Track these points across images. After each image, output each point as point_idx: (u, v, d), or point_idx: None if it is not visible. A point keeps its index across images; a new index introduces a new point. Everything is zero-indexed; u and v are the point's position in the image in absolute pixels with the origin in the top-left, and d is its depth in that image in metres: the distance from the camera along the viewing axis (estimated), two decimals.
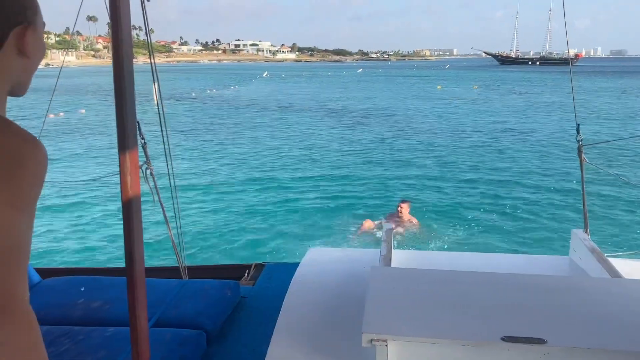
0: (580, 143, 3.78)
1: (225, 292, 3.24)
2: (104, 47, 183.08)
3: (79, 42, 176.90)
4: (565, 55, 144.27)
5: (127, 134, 1.75)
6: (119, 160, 1.77)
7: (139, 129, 3.31)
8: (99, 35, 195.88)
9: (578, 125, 3.78)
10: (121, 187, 1.81)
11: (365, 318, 1.72)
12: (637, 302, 1.93)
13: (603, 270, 2.36)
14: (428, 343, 1.67)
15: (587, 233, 3.61)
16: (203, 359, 2.75)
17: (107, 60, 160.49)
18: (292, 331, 2.06)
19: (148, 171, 3.35)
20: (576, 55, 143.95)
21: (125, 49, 1.78)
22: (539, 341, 1.58)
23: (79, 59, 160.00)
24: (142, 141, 3.33)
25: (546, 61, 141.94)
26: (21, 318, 0.88)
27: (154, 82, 3.18)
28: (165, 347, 2.58)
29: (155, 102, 3.24)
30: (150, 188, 3.34)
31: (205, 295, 3.13)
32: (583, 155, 3.77)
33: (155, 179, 3.38)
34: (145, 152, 3.39)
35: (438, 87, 50.80)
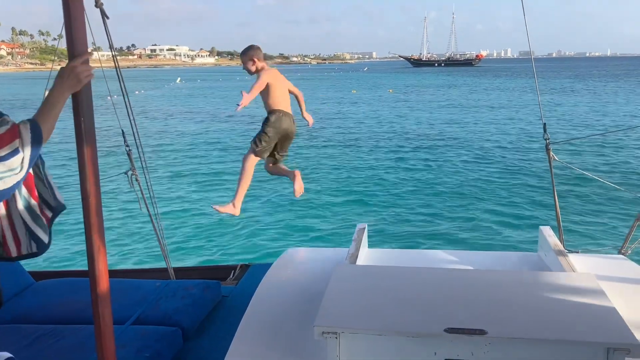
0: (548, 141, 3.77)
1: (205, 292, 3.34)
2: (8, 54, 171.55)
3: None
4: (467, 57, 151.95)
5: (83, 138, 1.81)
6: (79, 165, 1.82)
7: (124, 137, 3.42)
8: (2, 41, 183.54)
9: (544, 124, 3.79)
10: (81, 191, 1.85)
11: (319, 313, 1.79)
12: (578, 293, 1.97)
13: (561, 265, 2.44)
14: (376, 335, 1.75)
15: (560, 230, 3.71)
16: (179, 355, 2.87)
17: (12, 68, 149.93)
18: (255, 327, 2.12)
19: (133, 177, 3.44)
20: (477, 56, 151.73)
21: None
22: (480, 332, 1.67)
23: None
24: (127, 148, 3.44)
25: (451, 62, 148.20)
26: None
27: (122, 88, 3.25)
28: (141, 343, 2.71)
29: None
30: (136, 192, 3.43)
31: (185, 294, 3.24)
32: (551, 153, 3.76)
33: (141, 184, 3.46)
34: (130, 158, 3.47)
35: (353, 91, 49.11)
